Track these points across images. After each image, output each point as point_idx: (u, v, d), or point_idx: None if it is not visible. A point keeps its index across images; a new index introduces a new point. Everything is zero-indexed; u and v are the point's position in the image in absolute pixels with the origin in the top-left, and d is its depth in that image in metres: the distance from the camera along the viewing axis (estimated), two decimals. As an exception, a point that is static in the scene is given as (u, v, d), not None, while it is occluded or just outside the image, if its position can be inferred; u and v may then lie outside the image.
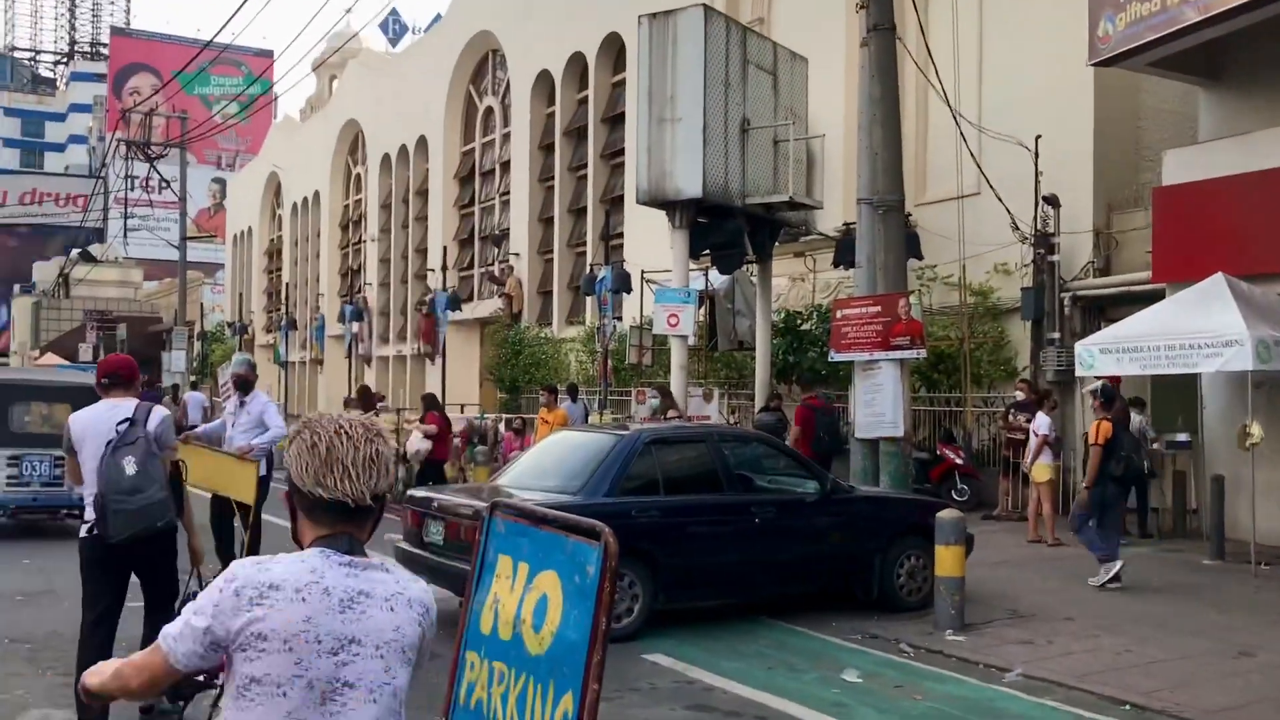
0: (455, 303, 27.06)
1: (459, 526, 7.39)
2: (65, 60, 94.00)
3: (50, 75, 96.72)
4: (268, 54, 70.95)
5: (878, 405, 11.86)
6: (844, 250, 16.61)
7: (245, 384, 9.33)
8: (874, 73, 12.35)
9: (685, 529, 7.93)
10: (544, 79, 28.41)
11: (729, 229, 15.91)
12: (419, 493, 8.38)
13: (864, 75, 12.49)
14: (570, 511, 7.55)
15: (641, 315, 18.89)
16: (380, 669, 2.08)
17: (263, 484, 8.20)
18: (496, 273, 29.76)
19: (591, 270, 22.22)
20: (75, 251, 52.45)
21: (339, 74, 45.71)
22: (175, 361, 37.24)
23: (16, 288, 64.22)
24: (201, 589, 6.62)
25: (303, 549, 2.14)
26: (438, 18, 38.34)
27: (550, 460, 8.54)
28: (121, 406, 5.50)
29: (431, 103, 33.53)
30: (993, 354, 16.33)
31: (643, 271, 18.82)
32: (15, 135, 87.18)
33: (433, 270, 32.65)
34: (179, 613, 2.29)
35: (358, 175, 40.76)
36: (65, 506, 12.02)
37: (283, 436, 8.64)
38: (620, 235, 23.75)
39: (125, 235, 39.19)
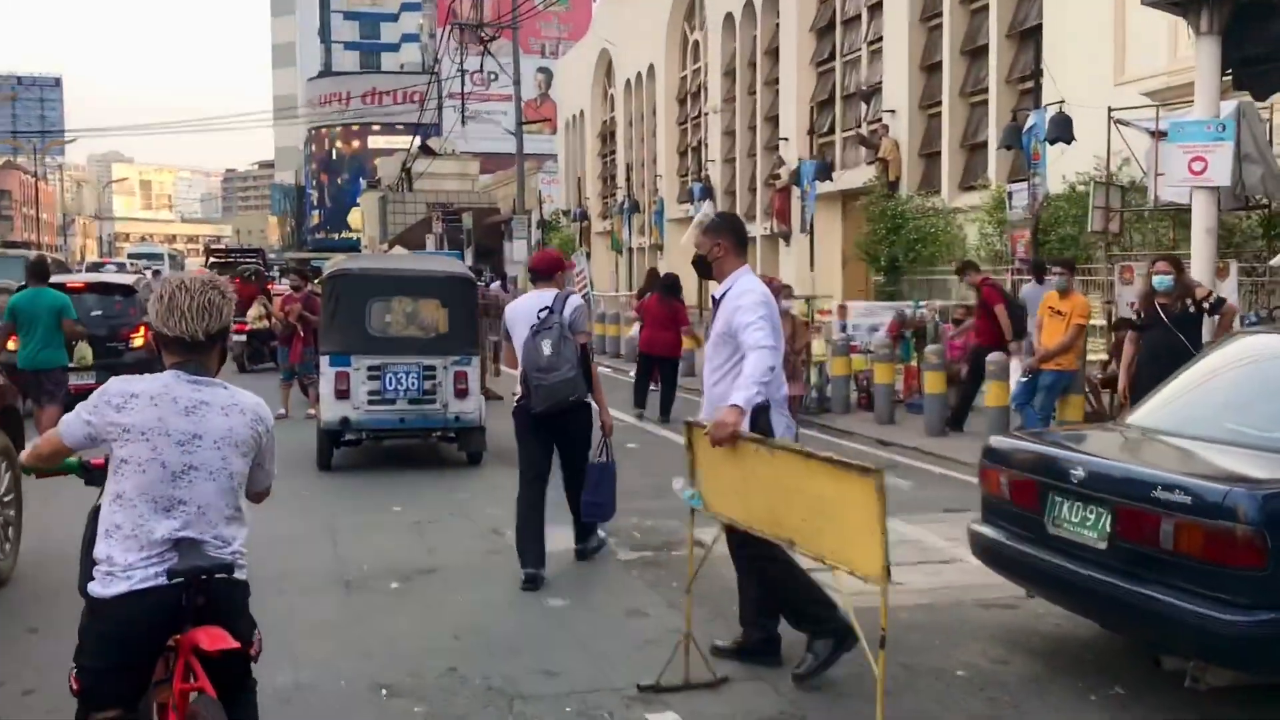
0: (825, 172, 23.38)
1: (1159, 524, 3.86)
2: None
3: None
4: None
5: None
6: None
7: (709, 268, 4.90)
8: None
9: None
10: (924, -106, 23.60)
11: (1274, 33, 11.32)
12: (1008, 443, 4.86)
13: None
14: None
15: (1109, 165, 14.46)
16: (218, 458, 2.94)
17: None
18: (866, 134, 25.62)
19: (1015, 117, 17.79)
20: (416, 145, 52.83)
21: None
22: (517, 251, 36.15)
23: (363, 183, 66.58)
24: (609, 460, 6.32)
25: None
26: None
27: (1245, 385, 4.82)
28: (544, 296, 6.28)
29: (780, -55, 29.43)
30: None
31: (1109, 109, 14.24)
32: (354, 38, 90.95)
33: (785, 139, 29.04)
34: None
35: (695, 42, 37.36)
36: (439, 427, 9.56)
37: (769, 364, 4.45)
38: (1034, 76, 19.09)
39: (463, 122, 38.09)
